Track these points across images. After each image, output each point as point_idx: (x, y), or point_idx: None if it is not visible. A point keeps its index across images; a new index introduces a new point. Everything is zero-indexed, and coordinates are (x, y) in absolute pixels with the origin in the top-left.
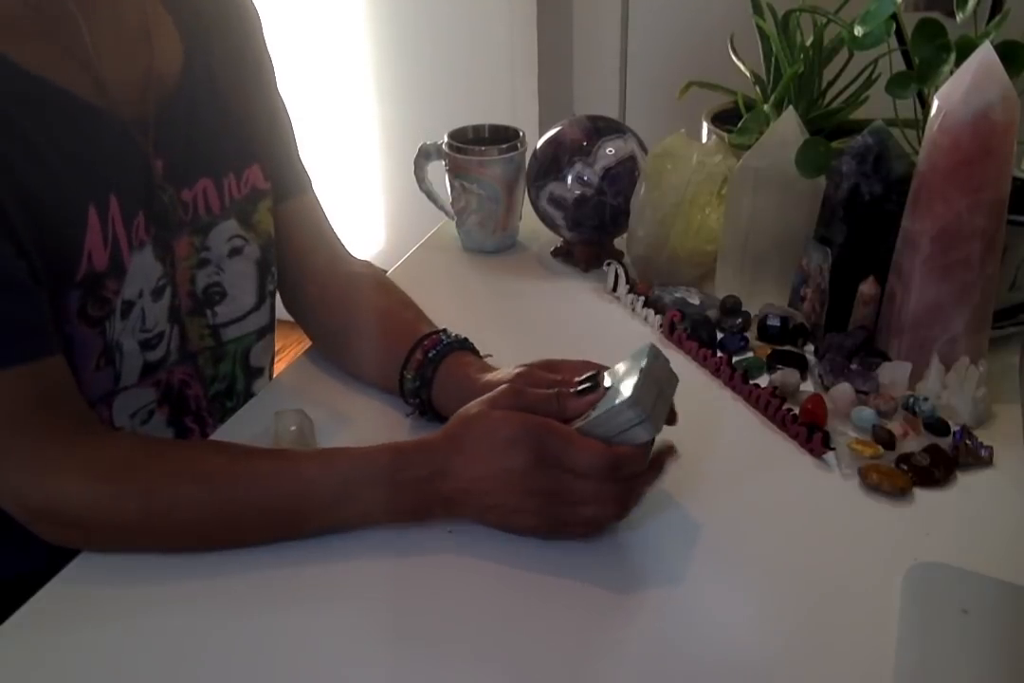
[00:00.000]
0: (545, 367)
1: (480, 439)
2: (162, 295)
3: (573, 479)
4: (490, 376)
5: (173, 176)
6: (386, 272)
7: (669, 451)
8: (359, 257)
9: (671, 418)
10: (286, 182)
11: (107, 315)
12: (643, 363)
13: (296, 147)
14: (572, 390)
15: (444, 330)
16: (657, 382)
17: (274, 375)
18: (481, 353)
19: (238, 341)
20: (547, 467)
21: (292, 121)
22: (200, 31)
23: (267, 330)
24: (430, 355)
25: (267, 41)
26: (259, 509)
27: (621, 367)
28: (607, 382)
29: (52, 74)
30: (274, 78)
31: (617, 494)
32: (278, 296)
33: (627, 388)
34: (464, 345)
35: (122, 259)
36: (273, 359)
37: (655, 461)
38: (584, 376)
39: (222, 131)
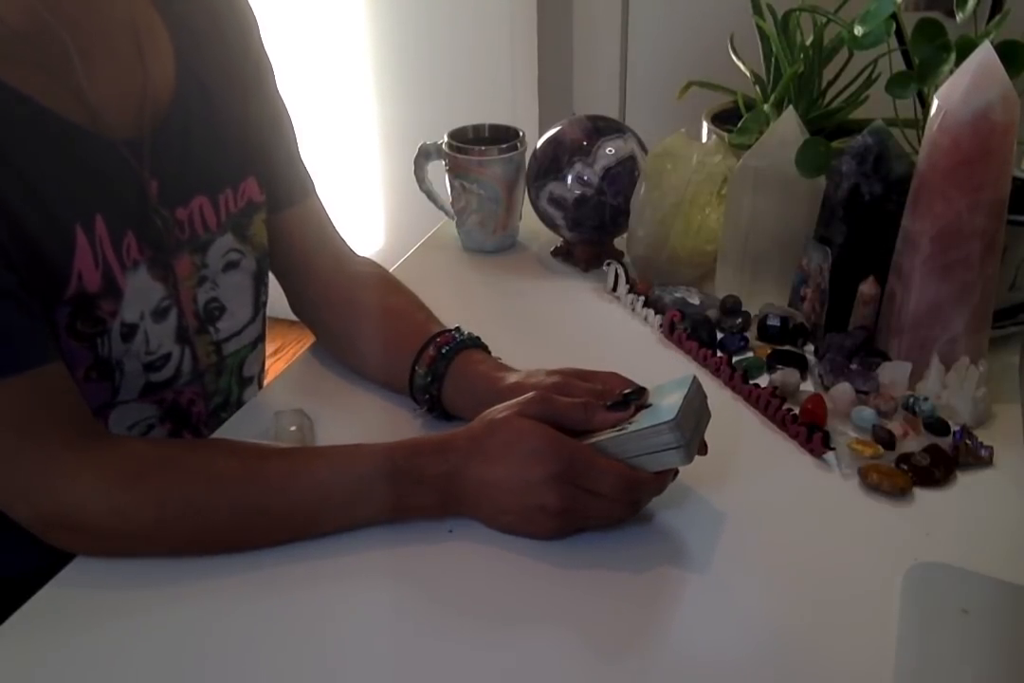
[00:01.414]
0: (577, 376)
1: (503, 445)
2: (166, 316)
3: (587, 497)
4: (517, 378)
5: (168, 196)
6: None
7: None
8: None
9: (702, 449)
10: (290, 188)
11: (99, 333)
12: (686, 392)
13: (298, 151)
14: (602, 403)
15: (458, 328)
16: (696, 413)
17: (270, 373)
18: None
19: (235, 354)
20: (564, 483)
21: (293, 125)
22: (194, 41)
23: (259, 340)
24: (443, 351)
25: (264, 44)
26: (274, 512)
27: (657, 389)
28: (648, 400)
29: (41, 97)
30: (274, 82)
31: (623, 512)
32: (283, 299)
33: (670, 411)
34: (477, 343)
35: (116, 280)
36: (264, 366)
37: (658, 477)
38: (628, 390)
39: (218, 146)
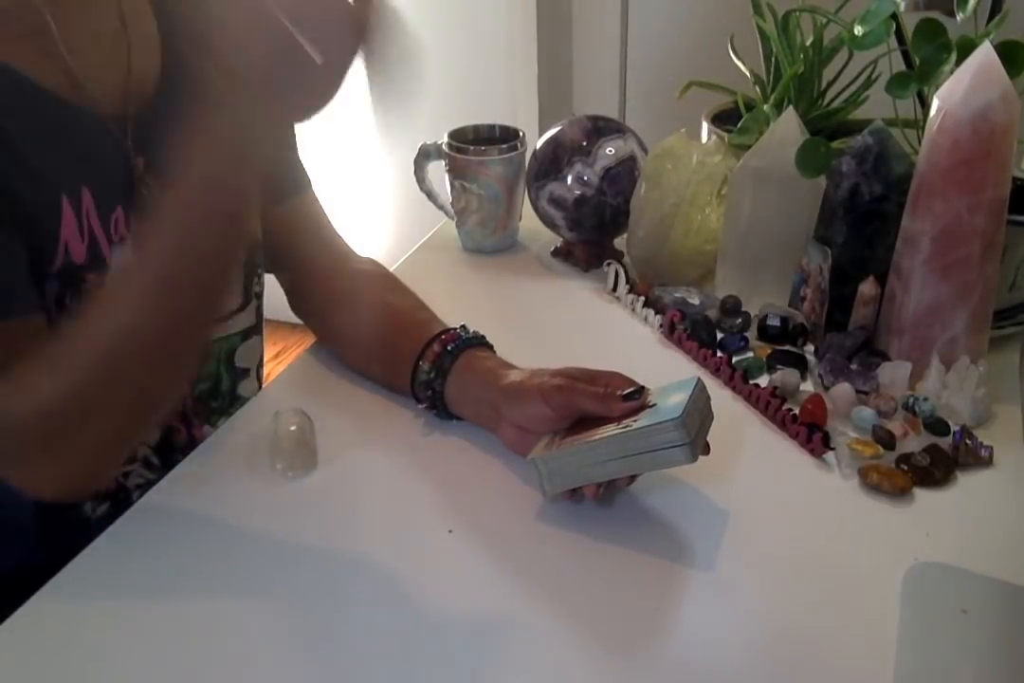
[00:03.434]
0: (580, 376)
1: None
2: None
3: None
4: (521, 377)
5: (157, 175)
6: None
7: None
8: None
9: (705, 449)
10: (283, 182)
11: None
12: (691, 392)
13: (295, 147)
14: (620, 393)
15: (463, 326)
16: (700, 413)
17: (272, 376)
18: None
19: (223, 341)
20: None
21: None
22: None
23: (253, 331)
24: (448, 348)
25: None
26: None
27: (661, 390)
28: (650, 399)
29: (26, 69)
30: None
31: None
32: (285, 302)
33: (675, 409)
34: (483, 341)
35: (102, 253)
36: (262, 361)
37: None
38: (629, 390)
39: None
